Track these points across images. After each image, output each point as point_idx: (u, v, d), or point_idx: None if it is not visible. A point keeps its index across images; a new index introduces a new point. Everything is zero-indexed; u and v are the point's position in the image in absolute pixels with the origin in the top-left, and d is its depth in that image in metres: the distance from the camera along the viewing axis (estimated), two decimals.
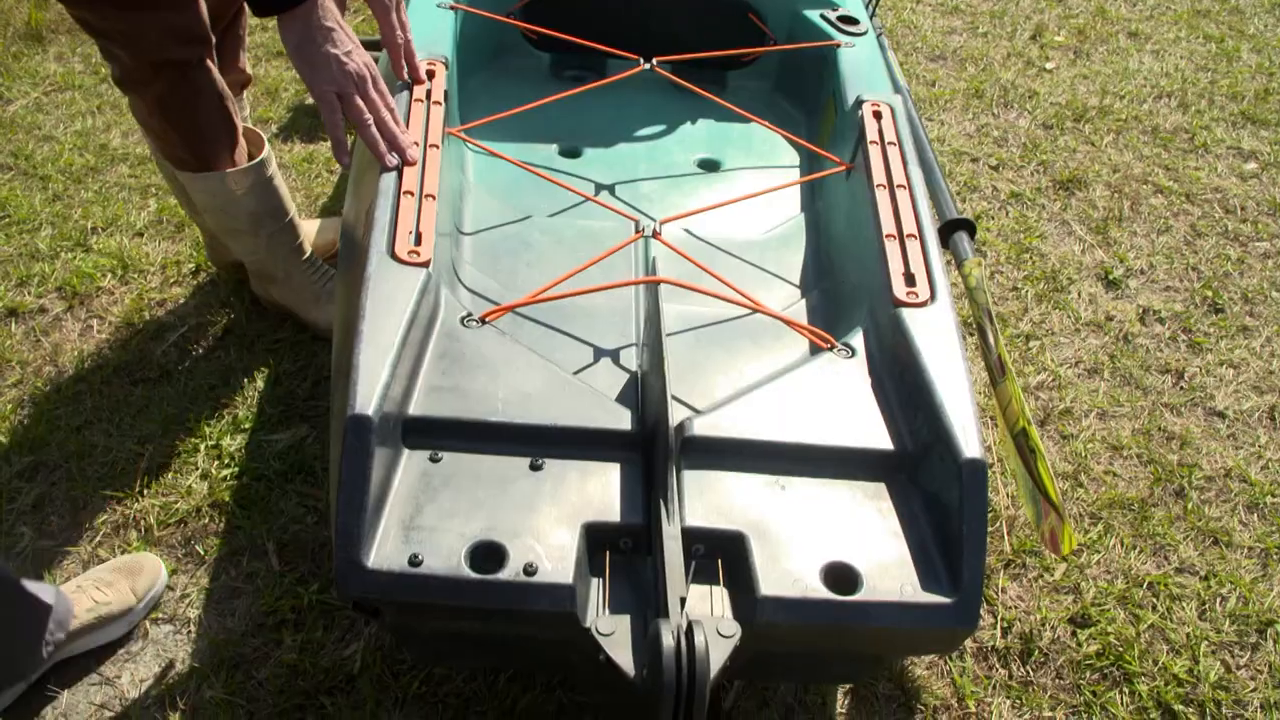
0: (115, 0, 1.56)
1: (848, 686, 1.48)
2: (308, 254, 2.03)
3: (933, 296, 1.21)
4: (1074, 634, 1.59)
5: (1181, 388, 2.09)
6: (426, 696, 1.44)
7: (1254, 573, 1.71)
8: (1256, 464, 1.92)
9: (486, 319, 1.20)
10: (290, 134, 2.75)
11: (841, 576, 1.01)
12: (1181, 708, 1.49)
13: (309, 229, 2.20)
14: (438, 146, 1.35)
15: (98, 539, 1.65)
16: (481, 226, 1.46)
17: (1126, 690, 1.52)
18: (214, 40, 1.74)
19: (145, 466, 1.77)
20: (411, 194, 1.26)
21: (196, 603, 1.57)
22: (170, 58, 1.65)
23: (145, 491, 1.73)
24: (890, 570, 1.01)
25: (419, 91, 1.42)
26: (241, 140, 1.82)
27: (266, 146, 1.87)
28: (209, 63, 1.72)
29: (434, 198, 1.26)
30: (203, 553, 1.64)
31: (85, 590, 1.47)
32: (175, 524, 1.68)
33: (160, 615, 1.55)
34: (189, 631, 1.53)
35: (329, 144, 2.70)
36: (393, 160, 1.29)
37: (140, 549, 1.63)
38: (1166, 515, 1.80)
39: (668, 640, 0.86)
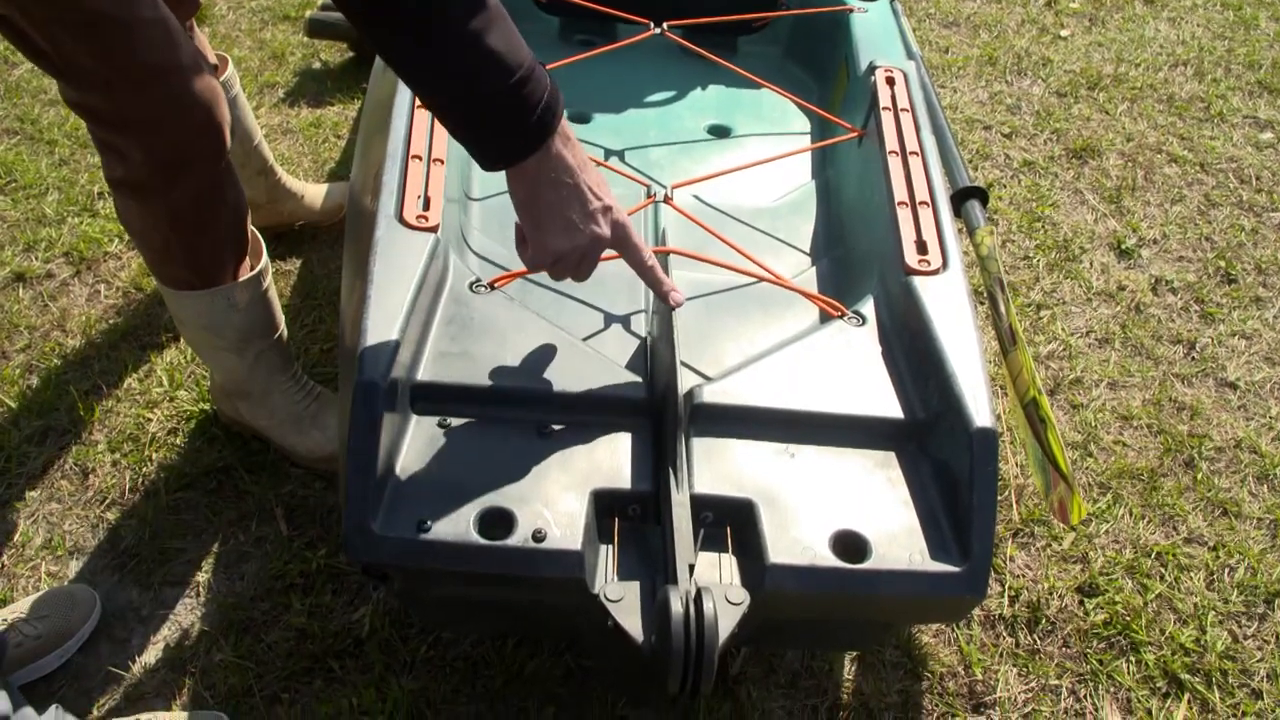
0: (133, 77, 1.24)
1: (854, 654, 1.49)
2: (293, 370, 1.71)
3: (945, 264, 1.20)
4: (1081, 603, 1.59)
5: (1193, 358, 2.08)
6: (434, 660, 1.45)
7: (1263, 544, 1.70)
8: (1267, 435, 1.91)
9: (495, 285, 1.19)
10: (296, 99, 2.73)
11: (850, 545, 1.00)
12: (1188, 677, 1.50)
13: (315, 194, 2.19)
14: None
15: (107, 502, 1.66)
16: (490, 193, 1.44)
17: (1133, 659, 1.52)
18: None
19: (154, 431, 1.77)
20: (419, 158, 1.24)
21: (205, 567, 1.57)
22: (195, 156, 1.35)
23: (154, 456, 1.73)
24: (899, 539, 1.01)
25: None
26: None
27: (263, 251, 1.58)
28: (229, 158, 1.42)
29: (442, 162, 1.25)
30: (211, 517, 1.64)
31: (15, 625, 1.42)
32: (183, 488, 1.68)
33: (170, 579, 1.56)
34: (197, 595, 1.54)
35: (336, 108, 2.68)
36: None
37: (149, 516, 1.63)
38: (1176, 485, 1.79)
39: (676, 606, 0.86)
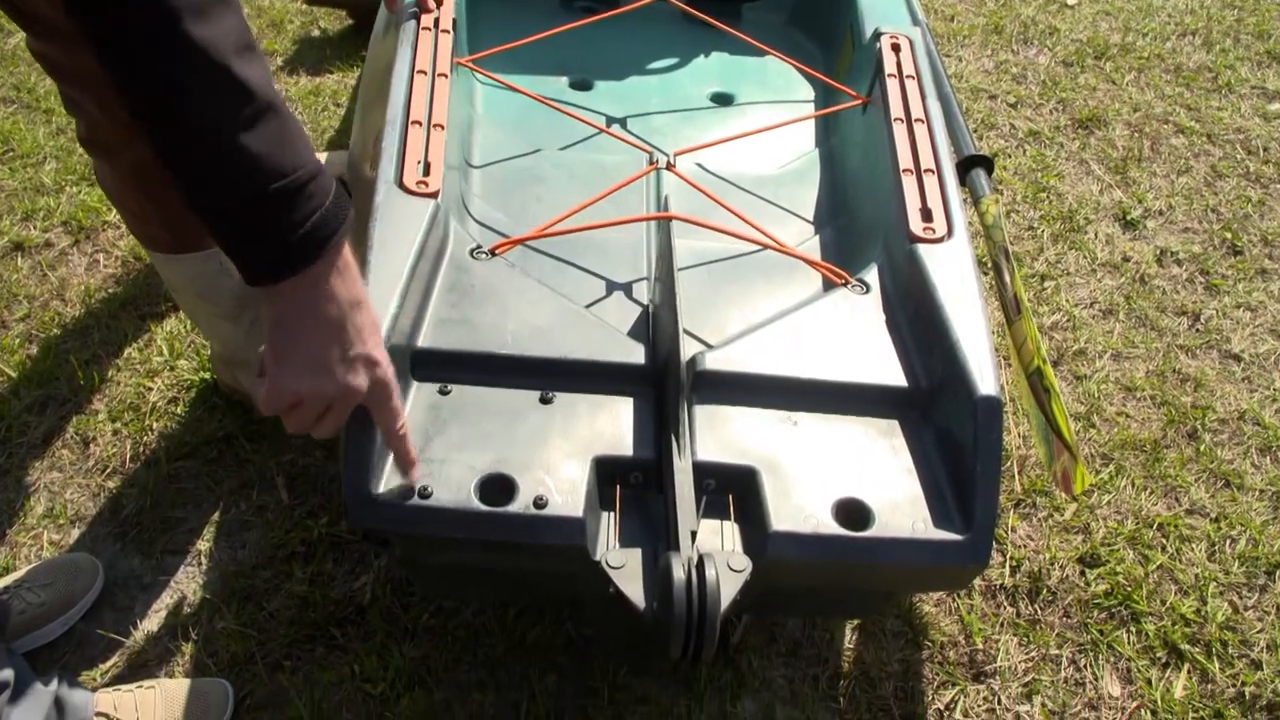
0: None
1: (855, 623, 1.49)
2: None
3: (950, 232, 1.19)
4: (1083, 573, 1.59)
5: (1197, 330, 2.07)
6: (436, 629, 1.45)
7: (1265, 515, 1.70)
8: (1271, 407, 1.90)
9: (496, 251, 1.18)
10: (295, 67, 2.71)
11: (853, 513, 1.00)
12: (1188, 647, 1.50)
13: None
14: (446, 76, 1.32)
15: (108, 471, 1.66)
16: (490, 160, 1.43)
17: (1134, 629, 1.52)
18: None
19: (154, 400, 1.77)
20: (419, 124, 1.23)
21: (207, 536, 1.58)
22: None
23: (154, 425, 1.73)
24: (902, 507, 1.00)
25: (427, 20, 1.39)
26: None
27: None
28: None
29: (443, 127, 1.24)
30: (212, 486, 1.64)
31: (18, 593, 1.42)
32: (184, 457, 1.68)
33: (172, 548, 1.56)
34: (200, 564, 1.54)
35: (335, 75, 2.66)
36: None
37: (149, 485, 1.63)
38: (1179, 457, 1.79)
39: (678, 573, 0.86)
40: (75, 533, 1.58)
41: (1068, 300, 2.11)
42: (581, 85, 1.65)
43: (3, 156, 2.33)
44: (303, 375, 0.81)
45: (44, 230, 2.12)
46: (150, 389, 1.79)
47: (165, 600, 1.50)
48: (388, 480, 0.97)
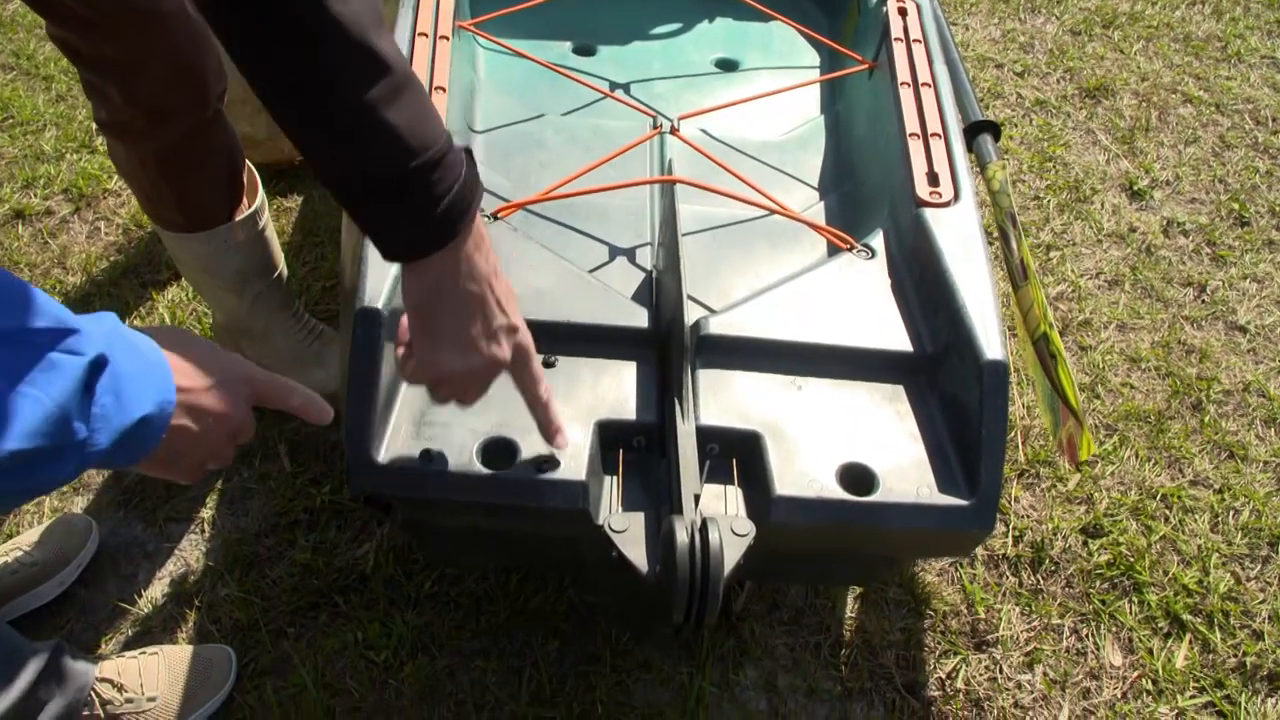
0: (111, 18, 1.17)
1: (857, 591, 1.49)
2: (294, 309, 1.69)
3: (956, 196, 1.18)
4: (1085, 544, 1.59)
5: (1203, 301, 2.05)
6: (439, 596, 1.45)
7: (1268, 487, 1.70)
8: (1276, 379, 1.89)
9: (498, 215, 1.17)
10: None
11: (858, 477, 0.99)
12: (1190, 617, 1.50)
13: None
14: (448, 39, 1.31)
15: None
16: (492, 125, 1.42)
17: (1136, 600, 1.52)
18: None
19: None
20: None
21: (209, 503, 1.57)
22: (176, 103, 1.29)
23: None
24: (907, 472, 1.00)
25: None
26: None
27: (260, 190, 1.52)
28: (223, 111, 1.36)
29: (444, 90, 1.23)
30: None
31: (13, 554, 1.43)
32: None
33: (174, 515, 1.56)
34: (203, 531, 1.54)
35: None
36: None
37: None
38: (1183, 428, 1.78)
39: (682, 535, 0.85)
40: (78, 500, 1.58)
41: (1073, 271, 2.09)
42: (584, 50, 1.63)
43: (3, 124, 2.31)
44: (452, 352, 0.82)
45: (44, 198, 2.11)
46: None
47: (168, 567, 1.50)
48: (389, 446, 0.97)
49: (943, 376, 1.07)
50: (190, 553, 1.52)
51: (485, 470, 0.95)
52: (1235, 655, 1.46)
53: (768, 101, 1.51)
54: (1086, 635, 1.48)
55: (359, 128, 0.72)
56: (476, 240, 0.81)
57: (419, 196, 0.76)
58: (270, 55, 0.71)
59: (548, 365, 1.05)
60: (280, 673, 1.37)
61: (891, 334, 1.10)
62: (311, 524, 1.54)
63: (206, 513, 1.56)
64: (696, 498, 0.93)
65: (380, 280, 0.99)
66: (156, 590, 1.47)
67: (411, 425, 0.98)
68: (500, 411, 1.00)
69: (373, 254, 1.01)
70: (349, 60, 0.71)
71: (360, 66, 0.71)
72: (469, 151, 0.80)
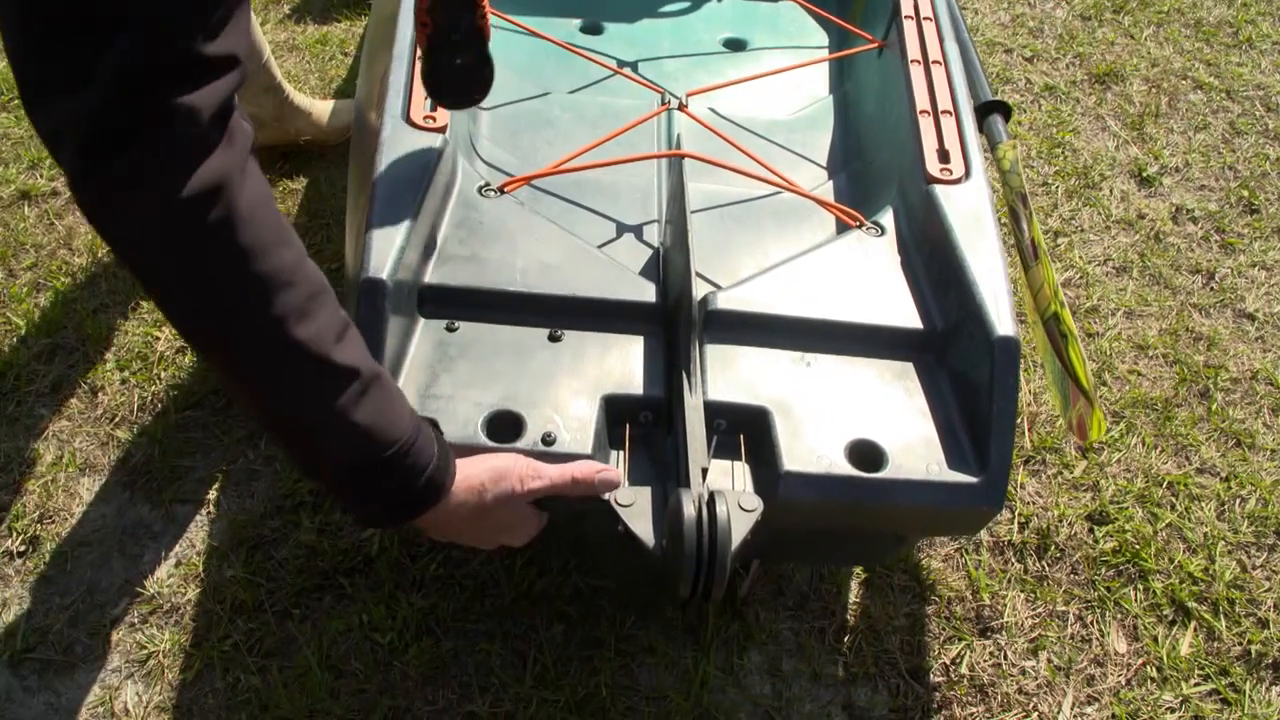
0: None
1: (862, 577, 1.48)
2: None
3: (967, 173, 1.17)
4: (1091, 531, 1.58)
5: (1212, 288, 2.04)
6: (444, 578, 1.45)
7: (1275, 475, 1.69)
8: None
9: (505, 189, 1.16)
10: (303, 14, 2.67)
11: (866, 454, 0.99)
12: (1195, 605, 1.49)
13: (323, 110, 2.14)
14: None
15: (116, 420, 1.65)
16: (499, 102, 1.41)
17: (1141, 587, 1.51)
18: None
19: (162, 350, 1.76)
20: None
21: (215, 485, 1.57)
22: None
23: (162, 375, 1.72)
24: (916, 449, 0.99)
25: None
26: None
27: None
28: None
29: None
30: (220, 435, 1.64)
31: None
32: (192, 407, 1.67)
33: (180, 496, 1.55)
34: (208, 512, 1.54)
35: (343, 24, 2.63)
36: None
37: (158, 433, 1.63)
38: (1190, 416, 1.77)
39: (689, 509, 0.84)
40: (84, 481, 1.57)
41: (1081, 257, 2.08)
42: (592, 29, 1.63)
43: (8, 104, 2.31)
44: (499, 538, 0.97)
45: (50, 179, 2.10)
46: (158, 339, 1.78)
47: (175, 549, 1.49)
48: None
49: (952, 353, 1.06)
50: (196, 534, 1.51)
51: (490, 442, 0.94)
52: (1240, 643, 1.46)
53: (777, 80, 1.50)
54: (1091, 622, 1.47)
55: (326, 432, 0.80)
56: (460, 482, 0.89)
57: (400, 476, 0.84)
58: (239, 372, 0.79)
59: (554, 339, 1.04)
60: (285, 654, 1.37)
61: (901, 310, 1.09)
62: (317, 506, 1.54)
63: (212, 494, 1.56)
64: (704, 472, 0.92)
65: (385, 251, 0.98)
66: (163, 571, 1.47)
67: (415, 399, 0.97)
68: (506, 385, 0.99)
69: (378, 224, 1.00)
70: (311, 377, 0.78)
71: (321, 380, 0.79)
72: (435, 423, 0.90)
